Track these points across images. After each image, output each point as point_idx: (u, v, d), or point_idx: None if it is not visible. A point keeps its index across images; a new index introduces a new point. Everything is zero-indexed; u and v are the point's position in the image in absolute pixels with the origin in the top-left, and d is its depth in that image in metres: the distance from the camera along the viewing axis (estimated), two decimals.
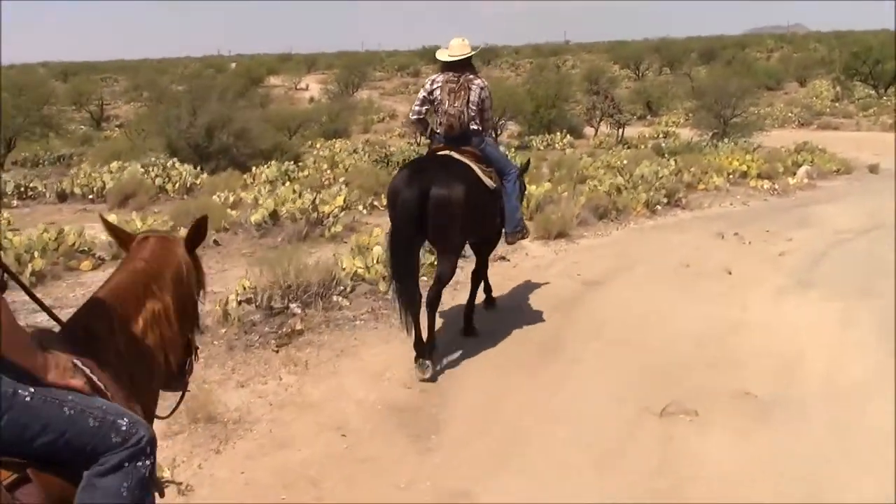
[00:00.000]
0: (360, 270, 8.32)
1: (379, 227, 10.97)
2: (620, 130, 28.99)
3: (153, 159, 20.30)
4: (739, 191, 15.33)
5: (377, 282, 8.16)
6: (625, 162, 17.74)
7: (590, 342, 7.00)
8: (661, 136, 30.39)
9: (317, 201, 11.33)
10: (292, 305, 7.40)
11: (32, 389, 2.16)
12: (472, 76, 6.68)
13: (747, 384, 6.12)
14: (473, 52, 6.79)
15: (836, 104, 38.19)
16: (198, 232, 3.02)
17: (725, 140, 25.94)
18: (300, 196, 11.96)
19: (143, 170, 17.34)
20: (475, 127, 6.67)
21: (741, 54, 63.52)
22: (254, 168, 18.75)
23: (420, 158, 7.78)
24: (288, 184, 15.06)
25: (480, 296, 7.64)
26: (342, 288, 7.89)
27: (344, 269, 8.31)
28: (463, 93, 6.52)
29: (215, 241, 10.51)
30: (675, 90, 43.40)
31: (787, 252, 10.71)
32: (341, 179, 16.09)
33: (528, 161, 8.56)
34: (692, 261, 9.83)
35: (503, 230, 7.02)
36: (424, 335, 6.20)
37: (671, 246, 10.74)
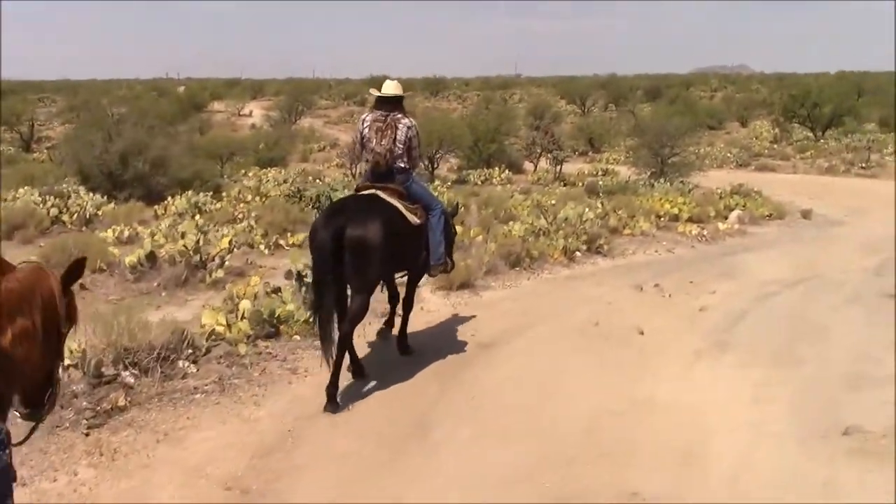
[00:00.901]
0: (219, 328, 7.22)
1: (261, 274, 9.92)
2: (558, 167, 28.23)
3: (63, 187, 19.09)
4: (667, 236, 14.52)
5: (237, 342, 7.07)
6: (553, 202, 16.88)
7: (462, 426, 5.96)
8: (599, 173, 29.78)
9: (201, 242, 10.19)
10: (125, 373, 6.28)
11: None
12: (400, 115, 6.82)
13: (638, 482, 5.14)
14: (403, 95, 7.02)
15: (775, 146, 38.04)
16: (73, 272, 3.13)
17: (662, 180, 25.36)
18: (202, 232, 10.86)
19: (40, 198, 16.06)
20: (402, 165, 6.82)
21: (685, 93, 63.76)
22: (168, 198, 17.61)
23: (342, 199, 7.80)
24: (194, 218, 13.97)
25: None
26: (192, 351, 6.78)
27: (202, 327, 7.22)
28: (390, 132, 6.69)
29: (82, 286, 9.31)
30: (618, 127, 43.09)
31: (708, 307, 9.85)
32: (253, 214, 14.99)
33: (458, 204, 8.98)
34: (603, 318, 8.88)
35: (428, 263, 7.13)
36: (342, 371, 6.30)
37: (584, 300, 9.79)
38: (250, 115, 53.74)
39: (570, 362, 7.43)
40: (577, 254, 12.03)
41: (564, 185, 26.14)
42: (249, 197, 18.04)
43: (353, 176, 29.14)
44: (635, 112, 48.70)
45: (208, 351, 6.94)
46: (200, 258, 9.99)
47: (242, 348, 6.94)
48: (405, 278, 7.45)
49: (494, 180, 26.80)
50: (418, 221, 6.77)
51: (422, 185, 7.34)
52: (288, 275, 8.95)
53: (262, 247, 12.01)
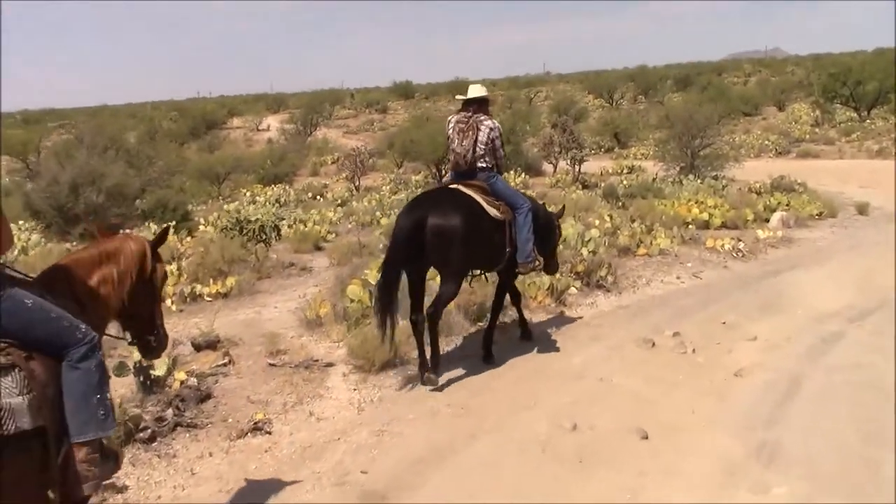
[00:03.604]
0: None
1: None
2: (577, 167, 25.11)
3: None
4: (693, 254, 11.38)
5: None
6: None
7: None
8: (624, 171, 26.67)
9: None
10: None
11: (32, 298, 3.15)
12: (483, 117, 6.87)
13: None
14: (487, 97, 7.10)
15: (817, 129, 34.41)
16: (160, 238, 3.94)
17: (692, 176, 22.17)
18: None
19: None
20: (483, 165, 6.83)
21: (717, 80, 59.79)
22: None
23: (425, 191, 8.45)
24: None
25: None
26: None
27: None
28: (471, 132, 6.76)
29: None
30: (646, 119, 39.80)
31: (746, 370, 6.83)
32: (189, 252, 12.23)
33: (564, 207, 8.91)
34: (585, 411, 5.87)
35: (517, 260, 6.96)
36: (428, 351, 6.42)
37: (564, 374, 6.73)
38: (268, 129, 51.27)
39: None
40: (572, 290, 9.01)
41: (584, 186, 23.10)
42: (207, 227, 15.29)
43: (357, 188, 26.73)
44: (664, 102, 45.20)
45: None
46: None
47: None
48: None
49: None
50: (500, 216, 6.71)
51: (506, 184, 7.15)
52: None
53: (170, 301, 9.19)
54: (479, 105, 6.97)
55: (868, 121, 34.97)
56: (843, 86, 37.55)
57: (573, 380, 6.53)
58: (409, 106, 59.81)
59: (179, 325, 8.39)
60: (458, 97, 7.27)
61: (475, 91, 7.03)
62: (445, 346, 7.30)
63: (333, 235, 15.21)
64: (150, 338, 3.88)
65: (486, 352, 7.14)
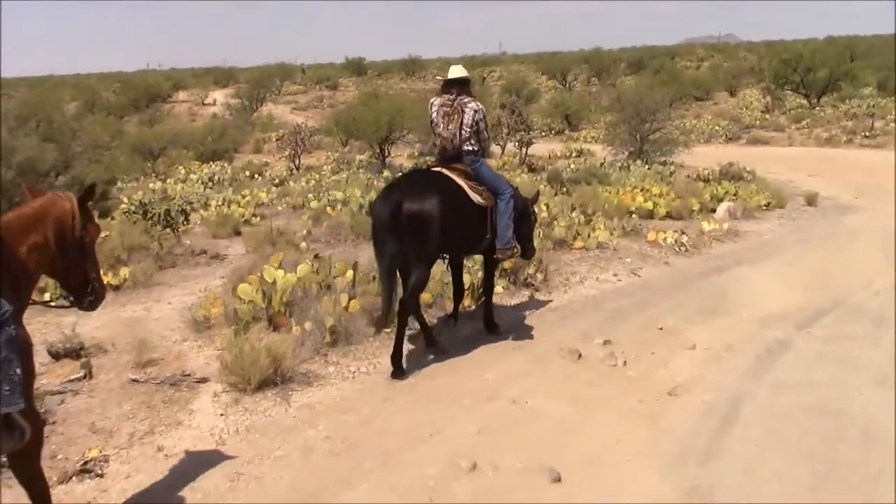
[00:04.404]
0: None
1: None
2: (525, 150, 24.20)
3: None
4: (633, 248, 10.50)
5: None
6: None
7: None
8: (573, 154, 25.85)
9: None
10: None
11: None
12: (467, 99, 6.72)
13: None
14: (468, 78, 6.92)
15: (767, 116, 33.91)
16: (87, 194, 3.87)
17: (640, 161, 21.41)
18: None
19: None
20: (469, 148, 6.69)
21: (670, 64, 59.26)
22: None
23: (407, 173, 8.22)
24: None
25: None
26: None
27: None
28: (456, 116, 6.62)
29: None
30: (598, 101, 39.05)
31: (682, 388, 5.97)
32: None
33: (538, 192, 9.32)
34: (493, 441, 4.96)
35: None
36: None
37: (474, 394, 5.78)
38: (214, 103, 49.50)
39: None
40: (497, 290, 8.06)
41: (531, 170, 22.23)
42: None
43: (297, 167, 25.54)
44: (617, 85, 44.45)
45: None
46: None
47: None
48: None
49: None
50: (482, 202, 6.61)
51: (490, 169, 6.99)
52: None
53: (47, 295, 8.07)
54: (462, 86, 6.78)
55: (818, 108, 34.57)
56: (794, 72, 37.10)
57: (484, 401, 5.60)
58: (361, 83, 58.36)
59: (51, 325, 7.31)
60: (439, 77, 7.21)
61: (457, 72, 6.84)
62: (342, 357, 6.32)
63: (258, 219, 14.13)
64: (85, 297, 3.91)
65: (488, 325, 7.18)
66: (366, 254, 10.85)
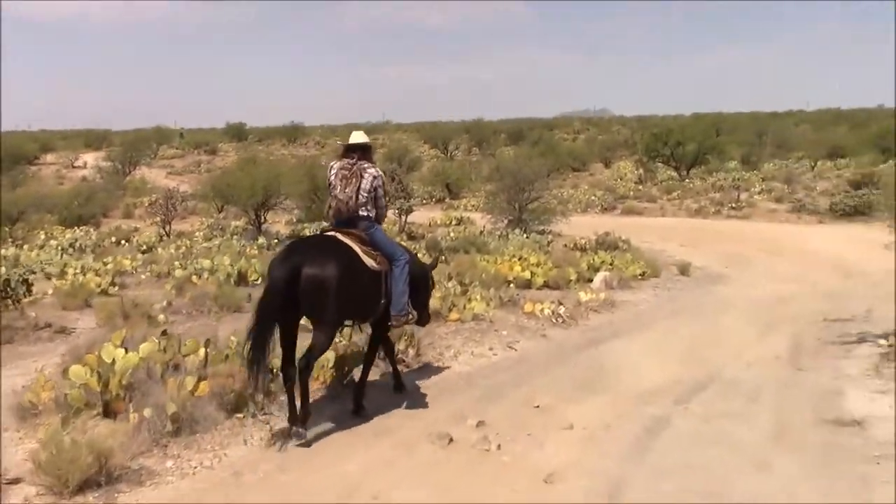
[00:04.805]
0: None
1: None
2: (405, 217, 23.91)
3: None
4: (509, 320, 10.17)
5: None
6: None
7: None
8: (452, 222, 25.74)
9: None
10: None
11: None
12: (366, 165, 6.69)
13: None
14: (369, 144, 6.89)
15: (640, 187, 34.92)
16: None
17: (519, 230, 21.45)
18: None
19: None
20: (364, 213, 6.64)
21: (548, 135, 60.83)
22: None
23: (302, 238, 8.76)
24: None
25: None
26: None
27: None
28: (355, 180, 6.58)
29: None
30: (479, 170, 39.43)
31: (558, 474, 5.53)
32: None
33: (437, 258, 9.91)
34: None
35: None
36: (298, 403, 6.02)
37: (331, 490, 5.10)
38: (84, 166, 47.46)
39: None
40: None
41: (410, 237, 21.92)
42: None
43: (167, 233, 24.42)
44: (496, 155, 45.12)
45: None
46: None
47: None
48: None
49: None
50: (377, 267, 6.52)
51: (385, 235, 6.95)
52: None
53: None
54: (363, 152, 6.76)
55: (687, 180, 35.85)
56: (665, 146, 38.47)
57: (343, 499, 4.99)
58: (241, 148, 57.31)
59: None
60: (339, 143, 7.13)
61: (358, 137, 6.84)
62: (184, 449, 5.60)
63: (116, 288, 13.14)
64: None
65: (356, 405, 6.74)
66: (229, 327, 10.14)
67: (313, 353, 6.16)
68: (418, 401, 7.06)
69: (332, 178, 6.69)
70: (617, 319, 11.01)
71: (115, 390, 5.98)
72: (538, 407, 7.08)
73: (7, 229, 24.72)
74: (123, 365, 6.03)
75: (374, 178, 6.64)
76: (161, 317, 10.26)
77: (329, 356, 7.02)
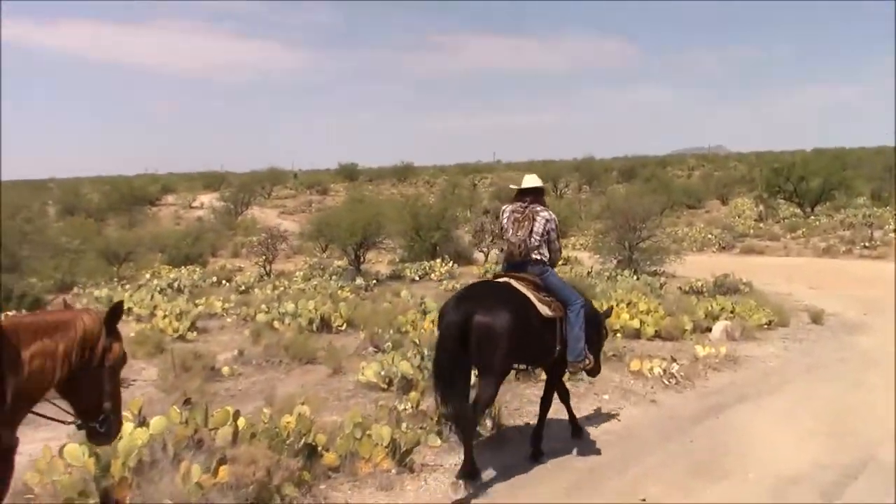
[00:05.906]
0: None
1: None
2: None
3: None
4: (613, 379, 8.64)
5: None
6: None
7: None
8: (559, 263, 24.24)
9: None
10: None
11: None
12: (539, 208, 6.58)
13: None
14: (542, 187, 6.75)
15: (761, 224, 32.50)
16: (113, 313, 3.63)
17: (629, 271, 19.75)
18: None
19: None
20: (537, 256, 6.52)
21: (661, 172, 58.50)
22: None
23: (476, 283, 8.01)
24: None
25: None
26: None
27: None
28: (527, 223, 6.50)
29: None
30: (588, 209, 37.87)
31: None
32: None
33: (611, 308, 8.82)
34: None
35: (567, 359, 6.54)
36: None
37: None
38: (201, 206, 48.38)
39: None
40: (430, 445, 6.17)
41: None
42: None
43: (268, 273, 23.90)
44: (607, 192, 43.36)
45: None
46: None
47: None
48: None
49: (434, 275, 21.22)
50: (550, 314, 6.27)
51: (559, 279, 6.71)
52: None
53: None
54: (535, 195, 6.66)
55: (812, 217, 33.21)
56: (787, 181, 35.92)
57: None
58: (352, 188, 57.49)
59: None
60: (512, 186, 7.10)
61: (531, 181, 6.76)
62: None
63: (195, 333, 12.30)
64: (94, 424, 3.60)
65: (534, 449, 6.55)
66: (295, 381, 9.03)
67: (481, 404, 5.99)
68: (492, 496, 5.66)
69: (505, 221, 6.63)
70: (741, 379, 9.30)
71: (117, 474, 4.84)
72: (644, 500, 5.59)
73: (115, 269, 24.74)
74: (128, 444, 4.89)
75: (547, 220, 6.52)
76: (225, 369, 9.26)
77: (381, 432, 5.73)
